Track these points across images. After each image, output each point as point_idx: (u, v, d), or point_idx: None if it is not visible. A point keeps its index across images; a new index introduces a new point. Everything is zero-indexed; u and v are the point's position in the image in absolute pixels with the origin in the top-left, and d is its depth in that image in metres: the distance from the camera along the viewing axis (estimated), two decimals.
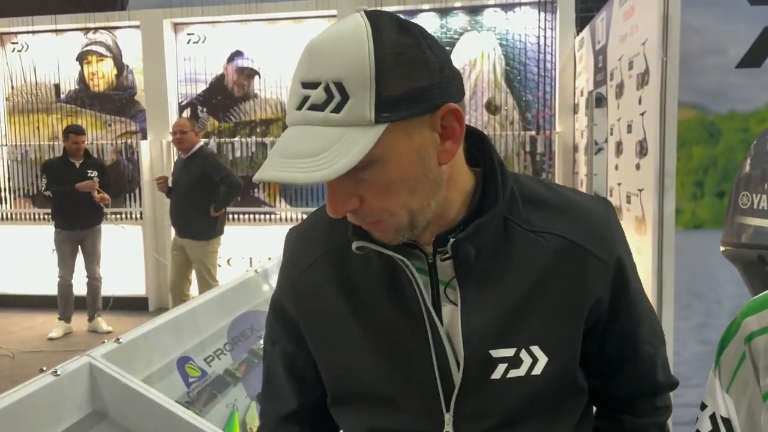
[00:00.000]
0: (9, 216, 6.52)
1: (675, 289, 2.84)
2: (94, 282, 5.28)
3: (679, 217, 2.83)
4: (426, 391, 0.81)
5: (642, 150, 3.06)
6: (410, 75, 0.70)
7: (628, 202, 3.34)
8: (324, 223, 0.87)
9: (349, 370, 0.86)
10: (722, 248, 2.70)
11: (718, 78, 2.68)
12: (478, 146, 0.84)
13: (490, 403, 0.81)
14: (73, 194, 4.94)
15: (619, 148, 3.57)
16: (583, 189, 4.81)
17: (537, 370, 0.81)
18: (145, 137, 6.19)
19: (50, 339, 5.15)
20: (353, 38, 0.69)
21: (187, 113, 6.21)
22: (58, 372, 1.31)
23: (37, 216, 6.46)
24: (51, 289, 6.12)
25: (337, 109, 0.68)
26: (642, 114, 3.05)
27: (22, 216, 6.52)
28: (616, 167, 3.64)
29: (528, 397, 0.82)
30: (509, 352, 0.80)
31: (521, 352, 0.80)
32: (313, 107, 0.69)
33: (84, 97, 6.45)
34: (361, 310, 0.83)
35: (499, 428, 0.82)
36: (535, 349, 0.81)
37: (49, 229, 6.22)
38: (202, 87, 6.20)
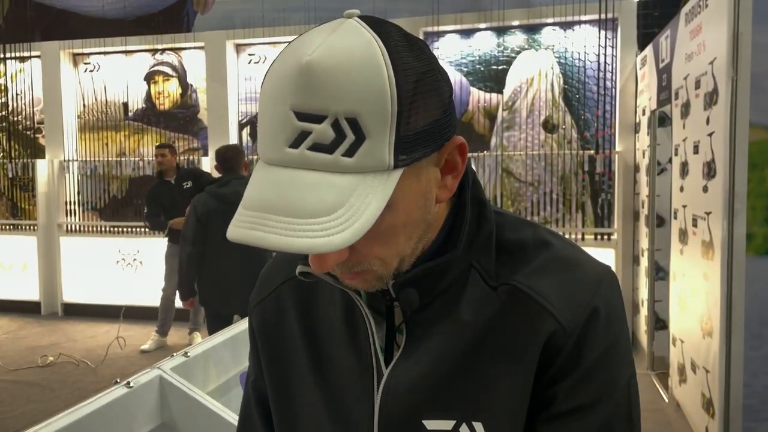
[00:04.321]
0: (77, 228, 6.82)
1: (745, 317, 2.72)
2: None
3: (749, 242, 2.72)
4: None
5: (710, 171, 2.96)
6: (427, 108, 0.57)
7: (694, 225, 3.23)
8: None
9: (288, 407, 0.76)
10: None
11: None
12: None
13: None
14: (178, 210, 4.97)
15: (684, 169, 3.47)
16: (645, 210, 4.68)
17: None
18: (206, 154, 6.38)
19: (142, 352, 5.20)
20: (369, 62, 0.54)
21: (246, 131, 6.38)
22: (131, 384, 1.35)
23: (103, 228, 6.73)
24: (115, 299, 6.38)
25: (350, 153, 0.54)
26: (710, 134, 2.95)
27: (90, 228, 6.80)
28: (681, 189, 3.53)
29: None
30: (447, 424, 0.66)
31: (462, 426, 0.66)
32: (316, 147, 0.54)
33: (150, 115, 6.71)
34: (316, 342, 0.73)
35: None
36: (478, 427, 0.66)
37: (114, 242, 6.50)
38: None
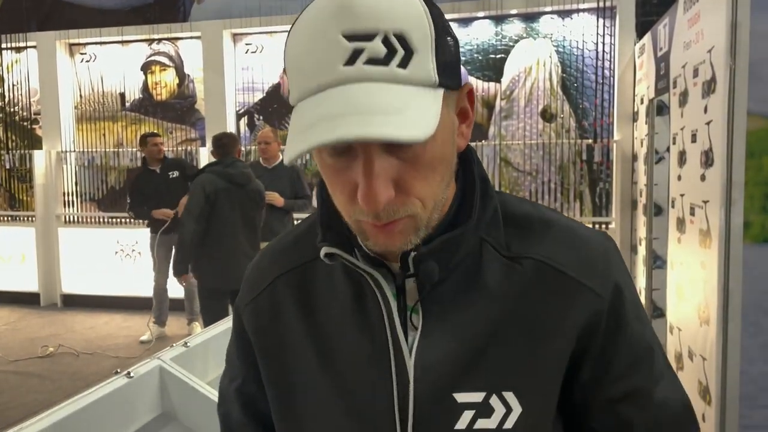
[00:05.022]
0: (76, 219, 6.82)
1: (742, 306, 2.73)
2: (190, 287, 5.13)
3: (747, 231, 2.72)
4: None
5: (708, 160, 2.96)
6: (449, 45, 0.62)
7: (692, 214, 3.24)
8: (289, 241, 0.78)
9: (296, 404, 0.73)
10: None
11: None
12: (460, 157, 0.71)
13: None
14: (163, 200, 5.01)
15: (682, 158, 3.47)
16: (643, 199, 4.68)
17: (509, 423, 0.67)
18: (204, 144, 6.37)
19: (142, 342, 5.19)
20: None
21: (244, 121, 6.37)
22: (132, 374, 1.36)
23: (102, 219, 6.73)
24: (114, 290, 6.39)
25: (404, 64, 0.57)
26: (708, 123, 2.95)
27: (89, 219, 6.80)
28: (679, 177, 3.53)
29: None
30: (477, 396, 0.67)
31: (491, 397, 0.67)
32: (372, 61, 0.56)
33: (147, 105, 6.69)
34: (320, 335, 0.72)
35: None
36: (509, 396, 0.67)
37: (113, 233, 6.50)
38: (259, 96, 6.34)
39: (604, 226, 5.47)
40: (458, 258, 0.68)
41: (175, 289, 5.26)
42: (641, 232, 4.79)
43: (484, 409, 0.67)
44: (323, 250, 0.67)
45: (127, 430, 1.33)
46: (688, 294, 3.32)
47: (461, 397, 0.67)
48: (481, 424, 0.67)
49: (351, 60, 0.56)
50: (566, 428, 0.74)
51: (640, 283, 4.76)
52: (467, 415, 0.67)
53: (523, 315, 0.68)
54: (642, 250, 4.74)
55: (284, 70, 0.64)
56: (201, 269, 3.93)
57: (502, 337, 0.68)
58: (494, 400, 0.67)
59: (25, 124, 7.02)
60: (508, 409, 0.67)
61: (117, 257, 6.49)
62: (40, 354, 4.91)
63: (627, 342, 0.71)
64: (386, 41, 0.56)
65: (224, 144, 3.99)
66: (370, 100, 0.55)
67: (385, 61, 0.56)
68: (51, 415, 1.15)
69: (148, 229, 5.27)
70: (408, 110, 0.55)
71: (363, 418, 0.69)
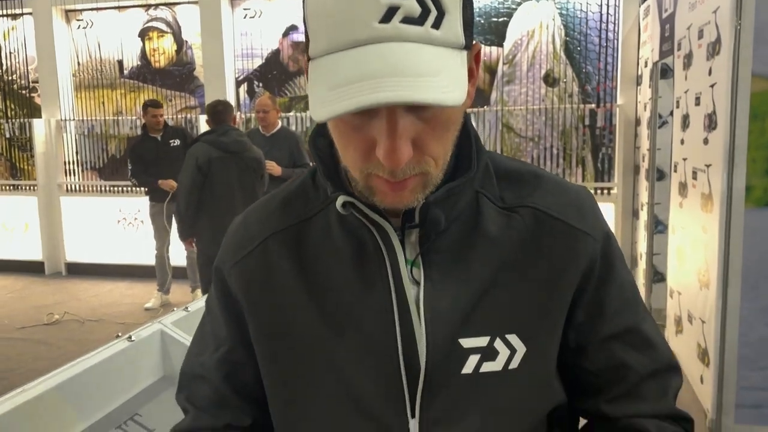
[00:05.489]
0: (78, 188, 6.82)
1: (742, 270, 2.74)
2: (191, 254, 5.14)
3: (749, 194, 2.71)
4: (389, 390, 0.68)
5: (711, 123, 2.93)
6: (471, 3, 0.63)
7: (694, 178, 3.22)
8: (279, 201, 0.78)
9: (297, 362, 0.72)
10: None
11: None
12: None
13: (461, 404, 0.68)
14: (164, 169, 4.98)
15: (685, 122, 3.44)
16: (645, 164, 4.66)
17: (514, 363, 0.69)
18: (204, 112, 6.32)
19: (146, 309, 5.22)
20: None
21: (244, 88, 6.31)
22: (133, 337, 1.37)
23: (103, 188, 6.73)
24: (118, 258, 6.43)
25: (437, 25, 0.57)
26: (712, 86, 2.91)
27: (90, 188, 6.80)
28: (682, 141, 3.51)
29: (505, 399, 0.70)
30: (482, 341, 0.68)
31: (496, 341, 0.69)
32: (408, 20, 0.56)
33: (146, 72, 6.62)
34: (319, 292, 0.71)
35: None
36: (513, 338, 0.69)
37: (115, 201, 6.51)
38: (258, 62, 6.27)
39: (606, 191, 5.45)
40: (458, 210, 0.70)
41: (179, 257, 5.31)
42: (643, 197, 4.77)
43: (489, 353, 0.69)
44: (341, 199, 0.67)
45: (129, 392, 1.35)
46: (689, 258, 3.32)
47: (467, 343, 0.68)
48: (486, 367, 0.69)
49: (386, 17, 0.55)
50: (561, 373, 0.75)
51: (641, 248, 4.77)
52: (473, 360, 0.68)
53: (523, 260, 0.70)
54: (643, 215, 4.73)
55: (304, 18, 0.63)
56: (200, 236, 4.02)
57: (503, 281, 0.70)
58: (498, 344, 0.69)
59: (24, 92, 6.97)
60: (512, 351, 0.69)
61: (119, 226, 6.51)
62: (46, 321, 4.96)
63: (617, 284, 0.74)
64: (420, 0, 0.56)
65: (219, 111, 4.00)
66: (410, 62, 0.55)
67: (420, 20, 0.56)
68: (54, 377, 1.17)
69: (147, 198, 5.27)
70: (443, 73, 0.56)
71: (370, 369, 0.69)
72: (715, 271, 2.82)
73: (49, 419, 1.16)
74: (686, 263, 3.40)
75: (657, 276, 4.35)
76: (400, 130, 0.58)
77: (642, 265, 4.72)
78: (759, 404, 2.72)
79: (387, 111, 0.58)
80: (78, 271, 6.63)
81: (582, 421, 0.81)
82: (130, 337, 1.39)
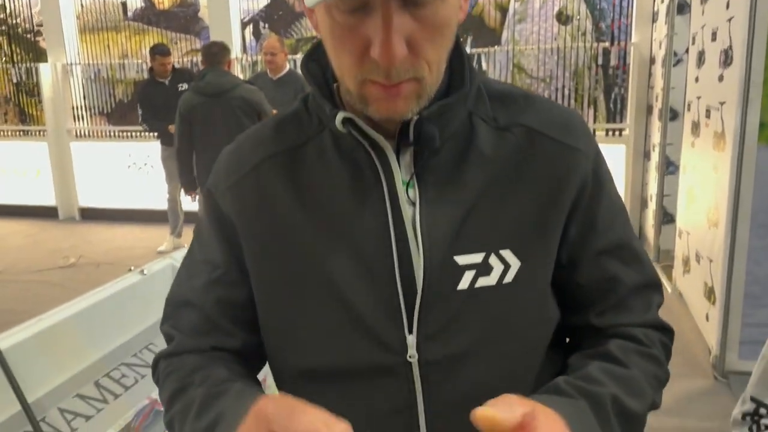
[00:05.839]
0: (86, 133, 6.82)
1: (752, 208, 2.73)
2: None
3: (762, 132, 2.67)
4: (388, 308, 0.69)
5: (727, 59, 2.86)
6: None
7: (707, 116, 3.17)
8: (271, 127, 0.77)
9: (294, 282, 0.72)
10: None
11: None
12: None
13: (457, 319, 0.69)
14: (172, 113, 4.96)
15: (701, 59, 3.36)
16: (659, 104, 4.57)
17: (509, 278, 0.70)
18: None
19: (159, 253, 5.25)
20: None
21: (249, 30, 6.19)
22: (144, 271, 1.40)
23: (112, 133, 6.73)
24: (130, 203, 6.49)
25: None
26: (729, 20, 2.83)
27: (100, 134, 6.81)
28: (696, 79, 3.43)
29: (500, 313, 0.70)
30: (477, 257, 0.69)
31: (491, 257, 0.70)
32: None
33: (150, 14, 6.51)
34: (315, 213, 0.71)
35: (467, 355, 0.70)
36: (506, 254, 0.70)
37: (124, 146, 6.52)
38: (263, 2, 6.14)
39: (617, 132, 5.38)
40: (452, 129, 0.71)
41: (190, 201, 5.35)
42: (655, 138, 4.71)
43: (483, 269, 0.70)
44: (340, 115, 0.67)
45: (140, 324, 1.39)
46: (699, 197, 3.30)
47: (462, 260, 0.69)
48: (481, 282, 0.70)
49: None
50: (554, 289, 0.77)
51: (652, 189, 4.74)
52: (468, 276, 0.69)
53: (516, 177, 0.71)
54: (655, 156, 4.68)
55: None
56: (199, 180, 4.14)
57: (497, 198, 0.71)
58: (493, 259, 0.70)
59: (29, 36, 6.89)
60: (506, 266, 0.70)
61: (130, 171, 6.54)
62: (62, 264, 5.06)
63: (608, 200, 0.76)
64: None
65: (213, 53, 3.95)
66: None
67: None
68: (68, 308, 1.20)
69: (159, 141, 5.26)
70: None
71: (368, 288, 0.70)
72: (724, 209, 2.81)
73: (66, 347, 1.20)
74: (696, 203, 3.39)
75: (667, 217, 4.34)
76: (395, 27, 0.59)
77: (652, 206, 4.70)
78: (763, 341, 2.76)
79: (382, 8, 0.58)
80: (91, 215, 6.71)
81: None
82: (142, 271, 1.42)
